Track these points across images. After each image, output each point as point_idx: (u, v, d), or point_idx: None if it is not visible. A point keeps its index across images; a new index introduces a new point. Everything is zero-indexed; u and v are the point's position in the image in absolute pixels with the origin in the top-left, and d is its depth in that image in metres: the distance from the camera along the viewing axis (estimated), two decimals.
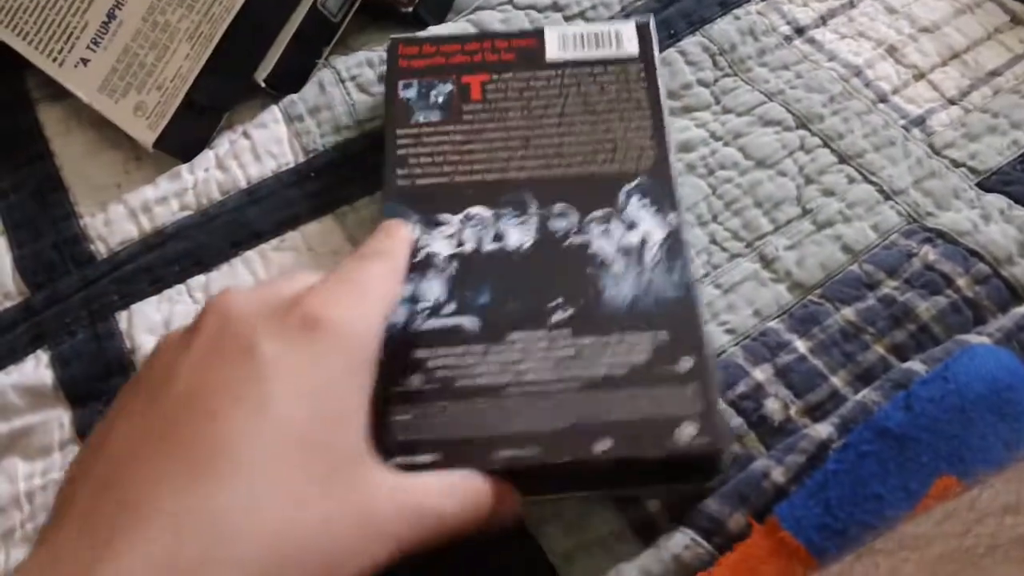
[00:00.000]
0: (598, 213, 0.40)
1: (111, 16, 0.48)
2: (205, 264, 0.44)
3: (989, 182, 0.43)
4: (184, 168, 0.47)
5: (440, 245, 0.40)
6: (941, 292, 0.40)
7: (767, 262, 0.42)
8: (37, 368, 0.42)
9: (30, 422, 0.41)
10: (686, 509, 0.35)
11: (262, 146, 0.47)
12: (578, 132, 0.43)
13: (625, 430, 0.35)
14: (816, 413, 0.38)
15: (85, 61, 0.48)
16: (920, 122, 0.46)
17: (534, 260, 0.39)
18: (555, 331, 0.37)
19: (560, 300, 0.38)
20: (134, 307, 0.43)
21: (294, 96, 0.49)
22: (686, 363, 0.36)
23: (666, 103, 0.44)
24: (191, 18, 0.47)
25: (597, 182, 0.41)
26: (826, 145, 0.45)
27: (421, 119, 0.43)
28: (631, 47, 0.45)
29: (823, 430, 0.36)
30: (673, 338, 0.37)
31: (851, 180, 0.44)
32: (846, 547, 0.30)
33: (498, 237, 0.40)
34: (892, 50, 0.48)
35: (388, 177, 0.42)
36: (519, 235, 0.40)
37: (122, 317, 0.43)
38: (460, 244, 0.40)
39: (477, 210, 0.41)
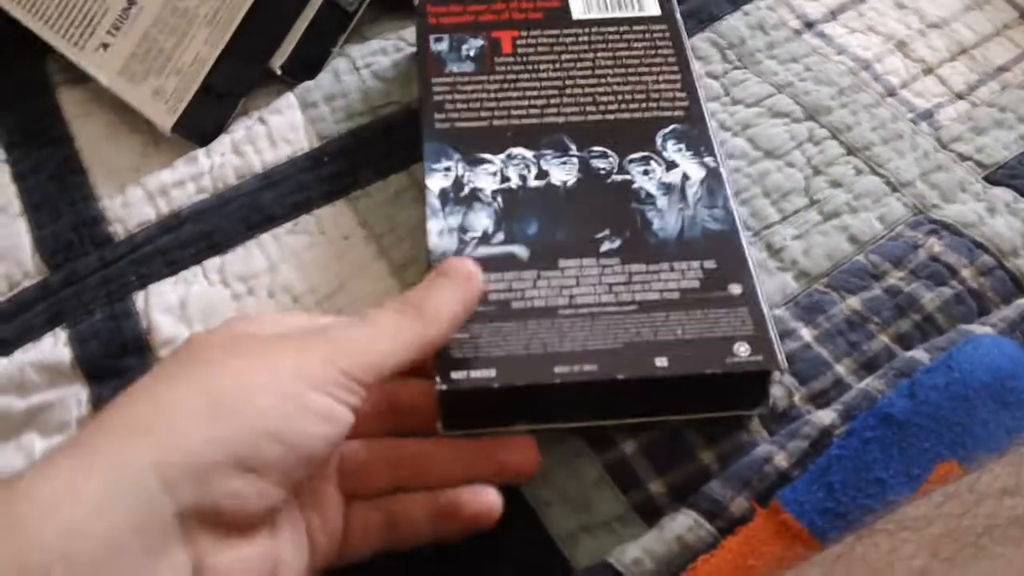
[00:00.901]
0: (637, 155, 0.41)
1: (131, 2, 0.49)
2: (220, 246, 0.45)
3: (995, 175, 0.44)
4: (201, 152, 0.48)
5: (485, 181, 0.41)
6: (946, 283, 0.40)
7: (774, 251, 0.43)
8: (55, 346, 0.43)
9: (48, 399, 0.42)
10: (689, 491, 0.36)
11: (277, 132, 0.48)
12: (610, 82, 0.44)
13: (680, 349, 0.35)
14: (820, 400, 0.38)
15: (105, 46, 0.49)
16: (928, 116, 0.46)
17: (579, 195, 0.40)
18: (604, 259, 0.38)
19: (607, 232, 0.39)
20: (151, 288, 0.44)
21: (309, 83, 0.50)
22: (735, 288, 0.37)
23: (693, 59, 0.45)
24: (210, 4, 0.48)
25: (633, 127, 0.42)
26: (834, 137, 0.46)
27: (455, 69, 0.44)
28: (652, 8, 0.47)
29: (826, 416, 0.36)
30: (721, 266, 0.38)
31: (859, 172, 0.44)
32: (848, 530, 0.30)
33: (542, 175, 0.41)
34: (901, 45, 0.49)
35: (427, 122, 0.43)
36: (562, 173, 0.41)
37: (139, 297, 0.44)
38: (505, 180, 0.41)
39: (519, 150, 0.41)
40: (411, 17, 0.52)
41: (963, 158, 0.44)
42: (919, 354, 0.37)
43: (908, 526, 0.28)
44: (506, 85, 0.44)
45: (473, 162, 0.41)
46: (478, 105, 0.43)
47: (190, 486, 0.27)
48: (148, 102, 0.48)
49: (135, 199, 0.47)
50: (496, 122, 0.43)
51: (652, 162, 0.41)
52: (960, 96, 0.47)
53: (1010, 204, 0.42)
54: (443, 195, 0.40)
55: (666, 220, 0.39)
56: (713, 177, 0.41)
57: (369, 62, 0.50)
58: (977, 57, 0.48)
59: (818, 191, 0.44)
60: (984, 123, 0.45)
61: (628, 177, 0.41)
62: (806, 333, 0.40)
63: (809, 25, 0.50)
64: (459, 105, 0.43)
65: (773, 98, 0.47)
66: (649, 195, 0.40)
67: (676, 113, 0.43)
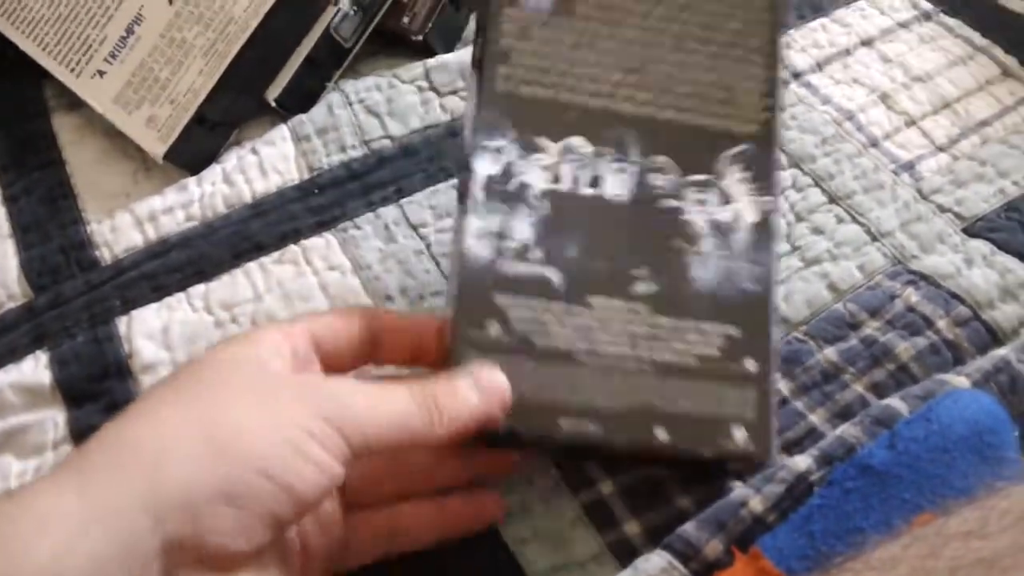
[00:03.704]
0: (697, 178, 0.37)
1: (129, 31, 0.49)
2: (206, 273, 0.45)
3: (974, 228, 0.44)
4: (192, 181, 0.48)
5: (535, 176, 0.37)
6: (921, 333, 0.41)
7: None
8: (36, 368, 0.43)
9: (25, 421, 0.42)
10: (665, 533, 0.36)
11: (269, 162, 0.49)
12: (693, 65, 0.38)
13: (682, 423, 0.35)
14: (794, 450, 0.38)
15: (102, 73, 0.49)
16: (910, 167, 0.47)
17: (628, 216, 0.37)
18: (634, 303, 0.36)
19: (645, 271, 0.36)
20: (134, 313, 0.44)
21: (303, 116, 0.50)
22: (750, 364, 0.36)
23: (783, 57, 0.40)
24: (207, 35, 0.48)
25: (702, 138, 0.38)
26: (817, 185, 0.46)
27: (531, 3, 0.38)
28: None
29: (801, 462, 0.36)
30: (744, 336, 0.36)
31: (840, 220, 0.45)
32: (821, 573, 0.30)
33: (595, 182, 0.37)
34: (885, 97, 0.50)
35: (487, 75, 0.37)
36: (617, 184, 0.37)
37: (122, 322, 0.44)
38: (556, 180, 0.37)
39: (578, 142, 0.37)
40: (407, 55, 0.53)
41: (943, 210, 0.45)
42: (895, 402, 0.38)
43: (875, 566, 0.28)
44: (583, 39, 0.38)
45: (528, 148, 0.37)
46: (548, 65, 0.37)
47: (179, 521, 0.27)
48: (141, 130, 0.49)
49: (123, 224, 0.47)
50: (563, 95, 0.37)
51: (710, 191, 0.37)
52: (942, 149, 0.48)
53: (987, 256, 0.43)
54: (489, 185, 0.36)
55: (707, 268, 0.37)
56: (764, 225, 0.37)
57: (363, 97, 0.51)
58: (960, 111, 0.49)
59: (800, 237, 0.45)
60: (964, 176, 0.46)
61: (681, 204, 0.37)
62: (784, 386, 0.40)
63: (796, 76, 0.51)
64: (527, 60, 0.37)
65: None
66: (697, 233, 0.37)
67: (750, 128, 0.38)
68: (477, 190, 0.36)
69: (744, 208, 0.37)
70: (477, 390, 0.33)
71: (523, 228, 0.36)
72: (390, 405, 0.31)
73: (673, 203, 0.37)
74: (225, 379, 0.31)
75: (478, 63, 0.37)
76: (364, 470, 0.36)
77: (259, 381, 0.31)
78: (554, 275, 0.36)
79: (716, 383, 0.35)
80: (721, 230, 0.37)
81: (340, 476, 0.30)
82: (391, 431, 0.31)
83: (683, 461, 0.37)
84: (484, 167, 0.36)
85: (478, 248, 0.36)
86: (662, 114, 0.38)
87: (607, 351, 0.35)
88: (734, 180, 0.38)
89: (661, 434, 0.35)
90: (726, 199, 0.37)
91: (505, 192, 0.36)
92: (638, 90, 0.38)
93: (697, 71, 0.38)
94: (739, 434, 0.35)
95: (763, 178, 0.38)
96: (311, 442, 0.29)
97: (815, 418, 0.39)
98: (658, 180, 0.37)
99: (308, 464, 0.29)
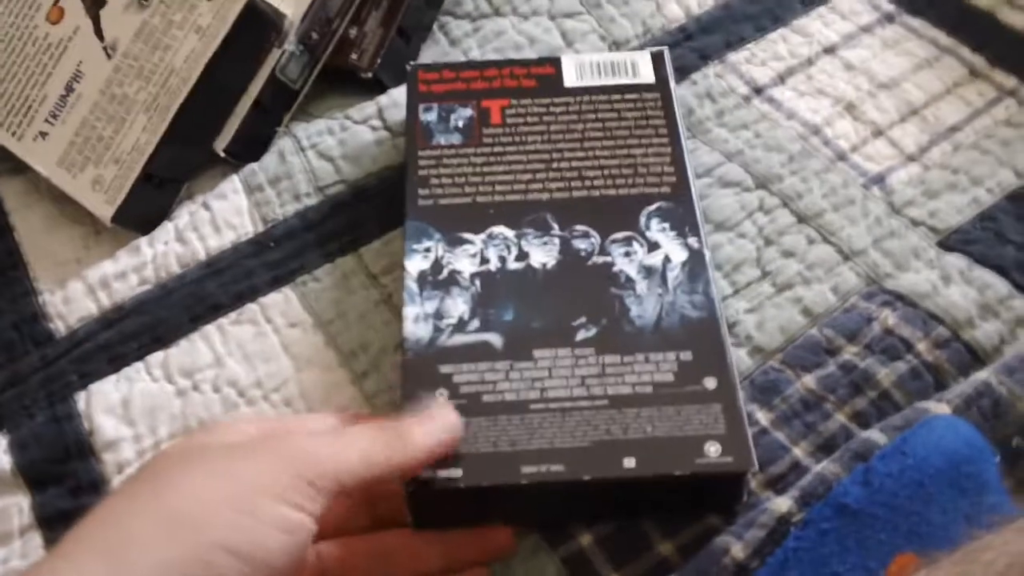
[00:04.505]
0: (619, 235, 0.41)
1: (69, 89, 0.48)
2: (164, 340, 0.44)
3: (949, 241, 0.43)
4: (144, 241, 0.47)
5: (464, 263, 0.40)
6: (901, 357, 0.39)
7: (728, 326, 0.42)
8: None
9: None
10: None
11: (222, 217, 0.47)
12: (598, 156, 0.43)
13: (649, 448, 0.35)
14: (778, 485, 0.37)
15: (44, 134, 0.48)
16: (879, 180, 0.46)
17: (558, 279, 0.39)
18: (579, 349, 0.37)
19: (584, 319, 0.38)
20: (92, 387, 0.43)
21: (254, 166, 0.49)
22: (710, 382, 0.36)
23: (684, 129, 0.44)
24: (148, 90, 0.47)
25: (618, 204, 0.41)
26: (785, 205, 0.45)
27: (442, 141, 0.44)
28: (647, 75, 0.46)
29: (783, 504, 0.35)
30: (697, 358, 0.37)
31: (811, 241, 0.44)
32: None
33: (522, 256, 0.40)
34: (851, 107, 0.48)
35: (411, 197, 0.42)
36: (542, 255, 0.40)
37: (80, 398, 0.43)
38: (484, 262, 0.40)
39: (500, 229, 0.41)
40: (358, 92, 0.52)
41: (916, 223, 0.44)
42: (875, 435, 0.37)
43: None
44: (492, 159, 0.43)
45: (454, 242, 0.41)
46: (463, 180, 0.43)
47: None
48: (87, 193, 0.47)
49: (76, 294, 0.46)
50: (480, 198, 0.42)
51: (634, 243, 0.40)
52: (911, 159, 0.46)
53: (964, 272, 0.42)
54: (421, 278, 0.40)
55: (644, 307, 0.38)
56: (695, 260, 0.40)
57: (315, 142, 0.49)
58: (928, 118, 0.48)
59: (770, 262, 0.44)
60: (936, 186, 0.45)
61: (609, 259, 0.40)
62: (762, 417, 0.39)
63: (758, 91, 0.50)
64: (444, 180, 0.42)
65: (723, 167, 0.47)
66: (629, 279, 0.39)
67: (663, 189, 0.42)
68: (411, 284, 0.40)
69: (671, 251, 0.40)
70: (435, 420, 0.34)
71: (458, 306, 0.39)
72: (355, 443, 0.32)
73: (601, 260, 0.40)
74: (183, 463, 0.31)
75: (406, 185, 0.42)
76: (344, 557, 0.36)
77: (218, 456, 0.31)
78: (495, 339, 0.38)
79: (678, 405, 0.36)
80: (652, 272, 0.40)
81: (311, 531, 0.30)
82: (362, 467, 0.31)
83: (657, 493, 0.36)
84: (415, 265, 0.40)
85: (417, 331, 0.38)
86: (576, 194, 0.42)
87: (559, 395, 0.36)
88: (656, 231, 0.41)
89: (629, 462, 0.35)
90: (652, 247, 0.40)
91: (437, 281, 0.40)
92: (549, 182, 0.42)
93: (603, 156, 0.43)
94: (713, 449, 0.35)
95: (684, 224, 0.41)
96: (271, 503, 0.29)
97: (799, 451, 0.38)
98: (582, 244, 0.41)
99: (272, 530, 0.29)
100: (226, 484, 0.30)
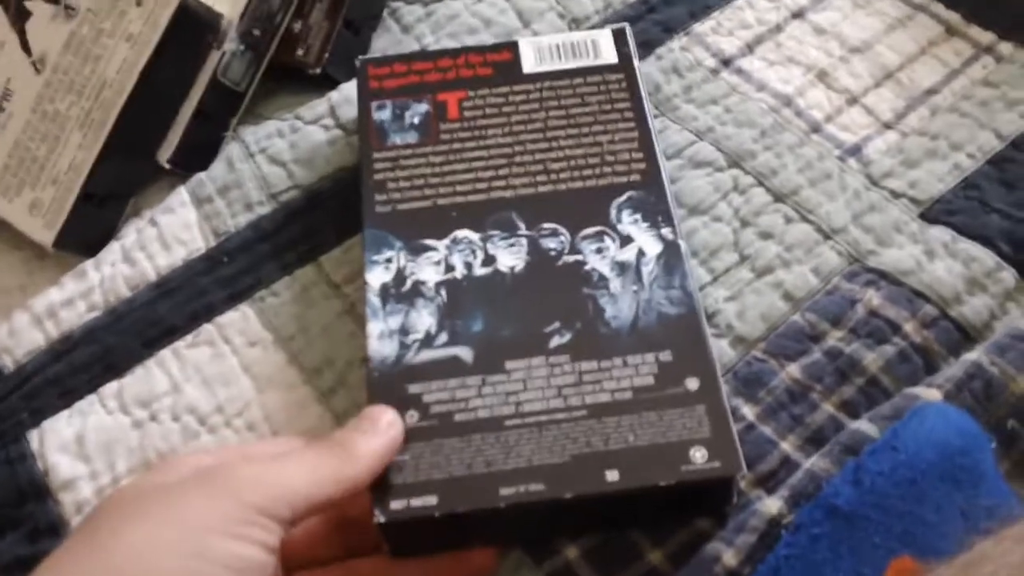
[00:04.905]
0: (590, 231, 0.38)
1: (0, 108, 0.45)
2: (116, 369, 0.42)
3: (931, 212, 0.41)
4: (90, 264, 0.44)
5: (428, 272, 0.38)
6: (888, 340, 0.38)
7: (708, 315, 0.40)
8: None
9: None
10: None
11: (170, 233, 0.45)
12: (563, 146, 0.41)
13: (632, 459, 0.33)
14: (768, 483, 0.36)
15: None
16: (856, 151, 0.44)
17: (527, 282, 0.38)
18: (554, 357, 0.35)
19: (557, 324, 0.36)
20: (45, 424, 0.41)
21: (202, 176, 0.46)
22: (692, 383, 0.35)
23: (650, 110, 0.42)
24: (81, 104, 0.44)
25: (586, 197, 0.39)
26: (760, 184, 0.43)
27: (398, 141, 0.41)
28: (609, 55, 0.43)
29: (772, 505, 0.34)
30: (678, 357, 0.35)
31: (788, 220, 0.42)
32: None
33: (488, 260, 0.38)
34: (823, 75, 0.46)
35: (367, 204, 0.40)
36: (510, 257, 0.38)
37: (33, 436, 0.40)
38: (449, 269, 0.38)
39: (464, 233, 0.39)
40: (308, 89, 0.49)
41: (896, 195, 0.42)
42: (864, 425, 0.35)
43: None
44: (452, 157, 0.41)
45: (416, 250, 0.39)
46: (422, 182, 0.40)
47: None
48: (25, 218, 0.45)
49: (22, 325, 0.43)
50: (441, 200, 0.40)
51: (606, 238, 0.38)
52: (888, 126, 0.44)
53: (949, 245, 0.40)
54: (384, 292, 0.38)
55: (619, 306, 0.36)
56: (671, 252, 0.38)
57: (264, 146, 0.47)
58: (903, 81, 0.45)
59: (748, 245, 0.42)
60: (915, 155, 0.43)
61: (580, 257, 0.38)
62: (748, 411, 0.37)
63: (726, 63, 0.47)
64: (402, 183, 0.40)
65: (694, 147, 0.44)
66: (602, 277, 0.37)
67: (632, 178, 0.40)
68: (373, 299, 0.38)
69: (645, 244, 0.38)
70: (372, 423, 0.33)
71: (424, 319, 0.37)
72: (300, 464, 0.31)
73: (572, 259, 0.38)
74: (127, 511, 0.30)
75: (362, 191, 0.40)
76: None
77: (161, 499, 0.30)
78: (464, 352, 0.36)
79: (659, 410, 0.34)
80: (626, 268, 0.38)
81: (266, 563, 0.29)
82: (311, 488, 0.31)
83: (644, 503, 0.34)
84: (377, 277, 0.38)
85: (382, 349, 0.36)
86: (541, 189, 0.40)
87: (535, 408, 0.35)
88: (628, 224, 0.38)
89: (612, 475, 0.33)
90: (624, 241, 0.38)
91: (400, 294, 0.38)
92: (513, 177, 0.40)
93: (568, 146, 0.41)
94: (699, 455, 0.33)
95: (657, 214, 0.39)
96: (220, 541, 0.28)
97: (787, 446, 0.37)
98: (551, 243, 0.39)
99: (222, 570, 0.28)
100: (170, 529, 0.28)
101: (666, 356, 0.35)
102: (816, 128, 0.44)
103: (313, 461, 0.31)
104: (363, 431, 0.33)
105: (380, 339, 0.36)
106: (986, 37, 0.46)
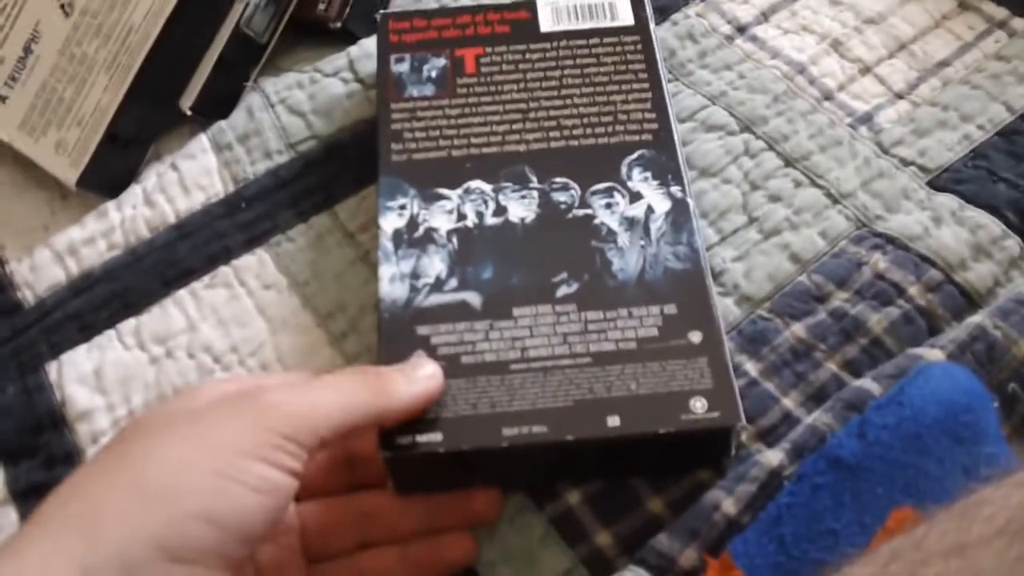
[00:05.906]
0: (600, 186, 0.39)
1: (27, 50, 0.46)
2: (135, 307, 0.43)
3: (940, 181, 0.42)
4: (111, 205, 0.45)
5: (440, 220, 0.39)
6: (893, 302, 0.38)
7: (715, 274, 0.41)
8: None
9: None
10: (638, 541, 0.34)
11: (190, 178, 0.46)
12: (577, 104, 0.42)
13: (633, 406, 0.34)
14: (768, 438, 0.37)
15: (3, 98, 0.46)
16: (867, 119, 0.44)
17: (537, 233, 0.38)
18: (560, 306, 0.36)
19: (565, 275, 0.37)
20: (63, 357, 0.42)
21: (223, 123, 0.47)
22: (695, 336, 0.35)
23: (664, 73, 0.43)
24: (108, 48, 0.45)
25: (598, 154, 0.40)
26: (771, 148, 0.44)
27: (415, 93, 0.42)
28: (626, 17, 0.44)
29: (774, 457, 0.35)
30: (682, 311, 0.36)
31: (797, 184, 0.43)
32: None
33: (500, 211, 0.39)
34: (836, 44, 0.47)
35: (383, 152, 0.41)
36: (521, 209, 0.39)
37: (52, 368, 0.41)
38: (461, 218, 0.39)
39: (477, 184, 0.40)
40: (327, 43, 0.50)
41: (905, 163, 0.43)
42: (867, 383, 0.36)
43: None
44: (467, 110, 0.42)
45: (429, 199, 0.39)
46: (437, 133, 0.41)
47: None
48: (51, 157, 0.45)
49: (44, 261, 0.44)
50: (455, 152, 0.41)
51: (616, 194, 0.39)
52: (900, 96, 0.45)
53: (956, 212, 0.40)
54: (396, 236, 0.39)
55: (627, 260, 0.37)
56: (679, 210, 0.38)
57: (284, 96, 0.48)
58: (916, 52, 0.46)
59: (757, 207, 0.42)
60: (926, 124, 0.43)
61: (590, 211, 0.39)
62: (751, 367, 0.38)
63: (741, 30, 0.48)
64: (418, 134, 0.41)
65: (707, 110, 0.45)
66: (611, 231, 0.38)
67: (644, 137, 0.40)
68: (385, 243, 0.38)
69: (654, 201, 0.39)
70: (416, 370, 0.34)
71: (435, 264, 0.38)
72: (334, 391, 0.31)
73: (582, 212, 0.39)
74: (156, 431, 0.30)
75: (378, 140, 0.41)
76: (323, 517, 0.35)
77: (191, 421, 0.30)
78: (473, 298, 0.37)
79: (662, 360, 0.35)
80: (635, 224, 0.38)
81: (291, 488, 0.29)
82: (342, 416, 0.31)
83: (643, 451, 0.35)
84: (390, 223, 0.39)
85: (393, 291, 0.37)
86: (554, 144, 0.41)
87: (540, 354, 0.35)
88: (638, 181, 0.40)
89: (613, 421, 0.34)
90: (634, 198, 0.39)
91: (413, 239, 0.38)
92: (527, 132, 0.41)
93: (581, 104, 0.42)
94: (699, 405, 0.34)
95: (667, 173, 0.39)
96: (246, 462, 0.29)
97: (789, 402, 0.37)
98: (562, 197, 0.39)
99: (251, 492, 0.28)
100: (201, 449, 0.29)
101: (671, 309, 0.36)
102: (828, 96, 0.45)
103: (349, 388, 0.32)
104: (405, 373, 0.33)
105: (391, 282, 0.37)
106: (1000, 12, 0.47)
